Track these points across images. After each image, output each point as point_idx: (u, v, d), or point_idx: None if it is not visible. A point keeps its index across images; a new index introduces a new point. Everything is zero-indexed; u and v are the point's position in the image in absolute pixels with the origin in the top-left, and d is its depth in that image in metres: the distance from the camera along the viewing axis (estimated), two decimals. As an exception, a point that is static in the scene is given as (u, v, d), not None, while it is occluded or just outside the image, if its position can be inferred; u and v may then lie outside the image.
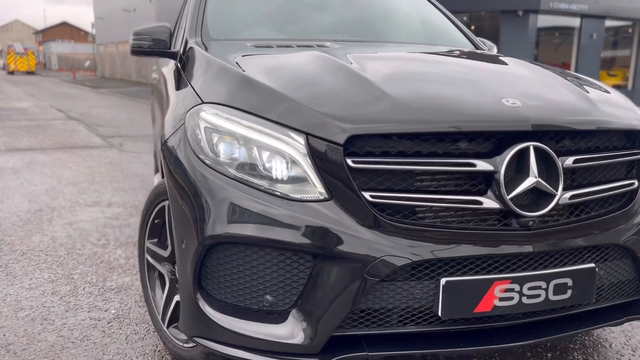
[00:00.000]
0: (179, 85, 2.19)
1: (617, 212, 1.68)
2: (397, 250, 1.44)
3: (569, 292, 1.59)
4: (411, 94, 1.59)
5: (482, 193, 1.51)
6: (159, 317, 2.16)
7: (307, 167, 1.50)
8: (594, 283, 1.63)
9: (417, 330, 1.54)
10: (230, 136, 1.60)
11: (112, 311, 2.51)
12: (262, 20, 2.89)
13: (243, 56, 2.05)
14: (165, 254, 2.09)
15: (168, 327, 2.11)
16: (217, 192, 1.55)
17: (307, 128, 1.51)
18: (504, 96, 1.62)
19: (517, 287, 1.52)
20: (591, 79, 2.13)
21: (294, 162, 1.51)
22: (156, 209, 2.12)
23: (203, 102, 1.73)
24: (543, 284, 1.55)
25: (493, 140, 1.53)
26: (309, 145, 1.50)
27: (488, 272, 1.52)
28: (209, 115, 1.67)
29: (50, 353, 2.14)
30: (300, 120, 1.53)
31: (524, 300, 1.54)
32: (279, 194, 1.51)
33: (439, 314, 1.50)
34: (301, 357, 1.51)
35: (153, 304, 2.21)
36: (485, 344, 1.57)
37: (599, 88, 1.99)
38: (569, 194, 1.57)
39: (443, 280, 1.48)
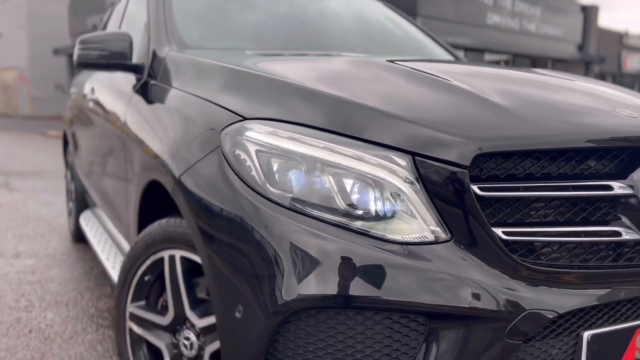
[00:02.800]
0: (164, 102, 1.73)
1: None
2: (542, 302, 1.11)
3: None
4: (532, 110, 1.26)
5: (616, 221, 1.22)
6: (154, 406, 1.63)
7: (415, 199, 1.13)
8: None
9: (553, 401, 1.21)
10: (299, 161, 1.19)
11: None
12: (236, 31, 2.47)
13: (260, 63, 1.64)
14: (164, 321, 1.60)
15: (168, 417, 1.59)
16: (293, 237, 1.12)
17: (414, 147, 1.14)
18: (615, 108, 1.36)
19: (658, 334, 1.25)
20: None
21: (397, 193, 1.14)
22: (146, 263, 1.63)
23: (246, 119, 1.29)
24: (680, 328, 1.28)
25: (622, 156, 1.26)
26: (416, 169, 1.13)
27: (629, 319, 1.23)
28: (262, 135, 1.24)
29: None
30: (402, 138, 1.15)
31: (663, 350, 1.27)
32: (379, 237, 1.12)
33: (583, 377, 1.18)
34: None
35: (142, 389, 1.68)
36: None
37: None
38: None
39: (587, 334, 1.17)
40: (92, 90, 2.80)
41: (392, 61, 1.60)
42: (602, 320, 1.20)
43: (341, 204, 1.15)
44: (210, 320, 1.46)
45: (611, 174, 1.24)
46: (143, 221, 1.86)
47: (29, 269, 3.35)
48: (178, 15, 2.27)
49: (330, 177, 1.16)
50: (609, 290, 1.20)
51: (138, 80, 2.13)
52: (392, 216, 1.13)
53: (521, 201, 1.15)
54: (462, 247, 1.12)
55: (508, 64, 22.21)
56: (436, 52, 2.73)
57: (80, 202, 3.71)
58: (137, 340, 1.70)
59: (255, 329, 1.14)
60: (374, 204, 1.14)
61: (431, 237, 1.12)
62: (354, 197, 1.15)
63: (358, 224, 1.14)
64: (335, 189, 1.16)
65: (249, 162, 1.23)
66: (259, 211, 1.17)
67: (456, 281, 1.09)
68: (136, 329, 1.69)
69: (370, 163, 1.15)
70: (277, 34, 2.45)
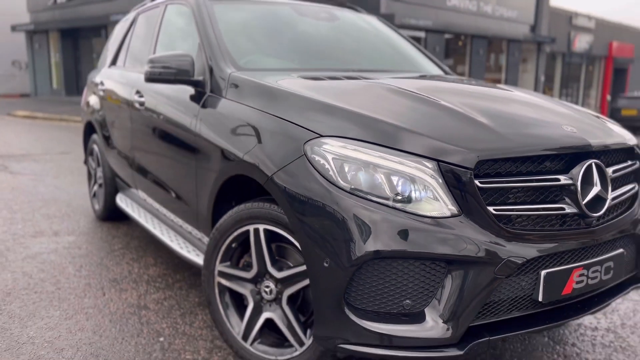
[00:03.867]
0: (242, 117, 2.31)
1: (630, 209, 2.20)
2: (515, 251, 1.80)
3: (612, 272, 2.07)
4: (507, 126, 1.95)
5: (562, 201, 1.92)
6: (239, 337, 2.28)
7: (439, 189, 1.79)
8: (623, 264, 2.13)
9: (522, 314, 1.92)
10: (362, 164, 1.83)
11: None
12: (272, 51, 3.07)
13: (316, 90, 2.26)
14: (248, 275, 2.23)
15: (252, 344, 2.24)
16: (361, 214, 1.77)
17: (438, 156, 1.80)
18: (562, 124, 2.06)
19: (585, 272, 1.96)
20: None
21: (426, 185, 1.80)
22: (233, 234, 2.25)
23: (322, 136, 1.93)
24: (599, 268, 2.01)
25: (566, 159, 1.95)
26: (440, 171, 1.79)
27: (569, 262, 1.94)
28: (335, 148, 1.87)
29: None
30: (429, 150, 1.81)
31: (589, 281, 1.99)
32: (416, 213, 1.78)
33: (540, 299, 1.88)
34: (443, 349, 1.79)
35: (228, 324, 2.32)
36: (565, 317, 1.99)
37: (594, 114, 2.53)
38: (612, 196, 2.05)
39: (543, 272, 1.87)
40: (139, 94, 3.32)
41: (410, 90, 2.24)
42: (553, 263, 1.90)
43: (389, 192, 1.80)
44: (286, 273, 2.10)
45: (559, 170, 1.93)
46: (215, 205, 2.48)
47: (73, 244, 3.89)
48: (227, 37, 2.84)
49: (382, 175, 1.82)
50: (557, 244, 1.89)
51: (199, 93, 2.70)
52: (423, 200, 1.80)
53: (504, 189, 1.83)
54: (468, 219, 1.79)
55: (465, 45, 23.13)
56: (428, 67, 3.39)
57: (110, 186, 4.24)
58: (222, 290, 2.34)
59: (339, 274, 1.79)
60: (411, 192, 1.79)
61: (448, 213, 1.79)
62: (398, 188, 1.80)
63: (399, 205, 1.79)
64: (385, 182, 1.81)
65: (327, 166, 1.86)
66: (335, 197, 1.81)
67: (465, 240, 1.76)
68: (224, 282, 2.31)
69: (409, 166, 1.80)
70: (306, 53, 3.07)
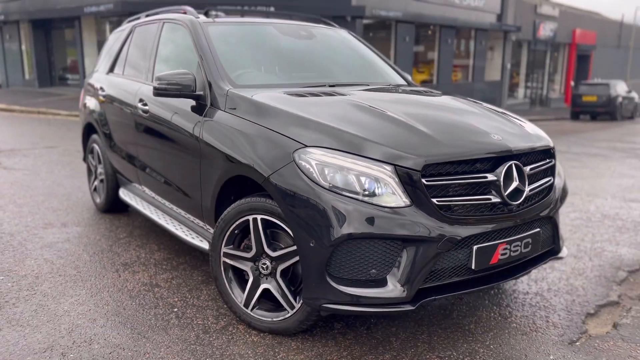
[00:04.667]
0: (240, 128, 2.86)
1: (546, 197, 2.84)
2: (453, 232, 2.41)
3: (530, 246, 2.70)
4: (446, 135, 2.55)
5: (489, 193, 2.54)
6: (241, 305, 2.86)
7: (395, 186, 2.39)
8: (539, 240, 2.77)
9: (460, 279, 2.54)
10: (338, 168, 2.41)
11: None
12: (260, 68, 3.62)
13: (301, 107, 2.83)
14: (249, 255, 2.80)
15: (252, 310, 2.83)
16: (338, 206, 2.36)
17: (394, 161, 2.39)
18: (490, 132, 2.68)
19: (508, 246, 2.59)
20: (508, 112, 3.29)
21: (386, 183, 2.39)
22: (236, 223, 2.81)
23: (307, 146, 2.50)
24: (519, 243, 2.64)
25: (492, 161, 2.57)
26: (396, 172, 2.39)
27: (495, 239, 2.56)
28: (317, 155, 2.45)
29: None
30: (388, 156, 2.40)
31: (511, 254, 2.62)
32: (379, 204, 2.37)
33: (473, 267, 2.51)
34: (399, 305, 2.40)
35: (232, 295, 2.89)
36: (494, 281, 2.62)
37: (521, 120, 3.15)
38: (529, 189, 2.67)
39: (475, 247, 2.49)
40: (143, 103, 3.83)
41: (371, 105, 2.83)
42: (482, 240, 2.52)
43: (358, 188, 2.39)
44: (280, 252, 2.68)
45: (487, 170, 2.55)
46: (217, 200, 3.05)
47: (82, 234, 4.40)
48: (221, 57, 3.38)
49: (353, 176, 2.40)
50: (485, 225, 2.51)
51: (200, 105, 3.23)
52: (383, 194, 2.39)
53: (445, 185, 2.44)
54: (418, 208, 2.39)
55: (434, 34, 23.82)
56: (393, 77, 3.97)
57: (112, 181, 4.74)
58: (227, 268, 2.91)
59: (322, 251, 2.38)
60: (375, 188, 2.39)
61: (402, 204, 2.39)
62: (365, 185, 2.39)
63: (366, 199, 2.38)
64: (356, 181, 2.40)
65: (311, 169, 2.44)
66: (318, 193, 2.40)
67: (415, 224, 2.36)
68: (228, 261, 2.88)
69: (373, 169, 2.39)
70: (289, 69, 3.63)
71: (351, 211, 2.36)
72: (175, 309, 3.09)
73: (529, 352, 2.68)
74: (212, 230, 3.26)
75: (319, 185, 2.42)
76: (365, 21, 19.26)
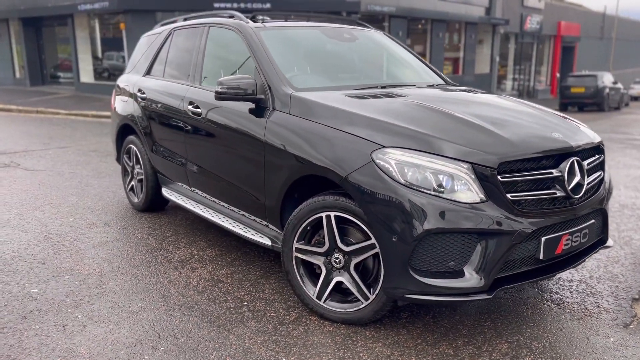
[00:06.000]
0: (310, 130, 3.01)
1: (598, 190, 3.03)
2: (525, 225, 2.59)
3: (587, 237, 2.90)
4: (514, 134, 2.73)
5: (554, 188, 2.72)
6: (314, 297, 3.02)
7: (472, 183, 2.56)
8: (594, 231, 2.97)
9: (528, 269, 2.72)
10: (417, 167, 2.58)
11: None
12: (310, 69, 3.76)
13: (364, 107, 2.99)
14: (321, 250, 2.96)
15: (325, 302, 2.99)
16: (419, 203, 2.52)
17: (471, 159, 2.56)
18: (551, 130, 2.86)
19: (570, 237, 2.78)
20: (556, 112, 3.48)
21: (464, 180, 2.56)
22: (308, 220, 2.97)
23: (384, 146, 2.66)
24: (579, 234, 2.83)
25: (556, 158, 2.75)
26: (473, 170, 2.56)
27: (559, 231, 2.75)
28: (396, 155, 2.62)
29: (241, 336, 2.86)
30: (465, 155, 2.57)
31: (573, 244, 2.81)
32: (457, 200, 2.54)
33: (541, 257, 2.69)
34: (477, 294, 2.58)
35: (304, 288, 3.05)
36: (556, 270, 2.81)
37: (568, 117, 3.34)
38: (587, 183, 2.86)
39: (543, 239, 2.67)
40: (194, 105, 3.95)
41: (438, 107, 2.99)
42: (549, 232, 2.71)
43: (437, 186, 2.56)
44: (354, 247, 2.84)
45: (552, 166, 2.73)
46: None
47: (128, 233, 4.51)
48: (277, 60, 3.52)
49: (431, 174, 2.57)
50: (551, 218, 2.70)
51: (261, 108, 3.37)
52: (461, 191, 2.56)
53: (516, 181, 2.61)
54: (493, 203, 2.57)
55: (425, 29, 24.05)
56: (433, 77, 4.14)
57: (152, 181, 4.86)
58: (298, 262, 3.06)
59: (404, 246, 2.54)
60: (452, 185, 2.55)
61: (478, 199, 2.56)
62: (443, 183, 2.56)
63: (444, 195, 2.55)
64: (434, 179, 2.57)
65: (390, 168, 2.60)
66: (399, 191, 2.56)
67: (491, 218, 2.54)
68: (300, 256, 3.04)
69: (450, 167, 2.56)
70: (341, 71, 3.78)
71: (432, 207, 2.52)
72: (245, 303, 3.24)
73: (589, 334, 2.88)
74: (273, 227, 3.41)
75: (399, 184, 2.58)
76: (358, 17, 19.52)
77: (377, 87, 3.59)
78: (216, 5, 16.87)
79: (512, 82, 33.31)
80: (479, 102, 3.33)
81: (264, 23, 3.91)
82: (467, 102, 3.31)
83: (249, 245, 4.22)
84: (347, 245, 2.88)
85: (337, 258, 2.92)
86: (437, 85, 3.96)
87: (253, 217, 3.64)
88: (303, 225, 3.00)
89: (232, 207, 3.84)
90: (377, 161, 2.65)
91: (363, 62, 4.05)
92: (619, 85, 25.72)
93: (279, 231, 3.38)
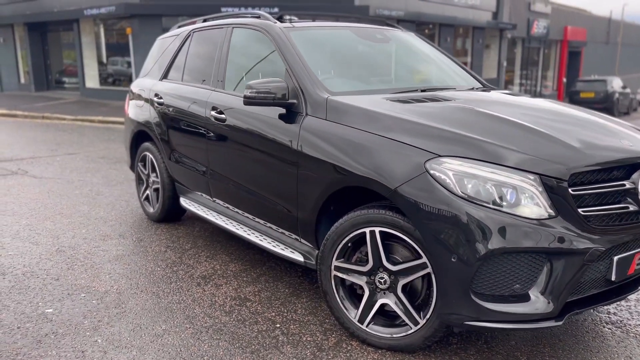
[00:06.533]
0: (351, 137, 2.75)
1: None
2: (598, 243, 2.33)
3: (656, 255, 2.63)
4: (582, 143, 2.46)
5: (626, 201, 2.46)
6: (355, 320, 2.75)
7: (540, 196, 2.30)
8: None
9: (597, 291, 2.46)
10: (478, 179, 2.32)
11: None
12: (344, 71, 3.51)
13: (409, 111, 2.73)
14: (364, 269, 2.70)
15: (368, 325, 2.72)
16: (482, 219, 2.26)
17: (539, 170, 2.30)
18: (619, 138, 2.60)
19: (641, 256, 2.52)
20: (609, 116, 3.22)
21: (530, 193, 2.30)
22: (350, 235, 2.71)
23: (440, 155, 2.40)
24: (652, 252, 2.56)
25: (626, 168, 2.49)
26: (541, 182, 2.30)
27: (632, 249, 2.48)
28: (454, 165, 2.36)
29: None
30: (532, 165, 2.31)
31: (644, 264, 2.54)
32: (523, 216, 2.28)
33: (613, 279, 2.43)
34: (545, 321, 2.32)
35: (344, 310, 2.79)
36: (627, 292, 2.55)
37: (633, 126, 3.07)
38: (658, 195, 2.60)
39: (615, 258, 2.41)
40: (218, 111, 3.70)
41: (492, 112, 2.73)
42: (621, 250, 2.44)
43: (501, 200, 2.30)
44: (402, 266, 2.58)
45: (623, 177, 2.47)
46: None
47: (145, 246, 4.26)
48: (309, 63, 3.27)
49: (494, 187, 2.31)
50: (623, 235, 2.43)
51: (293, 114, 3.11)
52: (527, 205, 2.30)
53: (587, 194, 2.35)
54: (563, 219, 2.30)
55: (433, 33, 23.83)
56: (470, 80, 3.89)
57: (169, 191, 4.61)
58: (337, 282, 2.80)
59: (465, 267, 2.28)
60: (518, 199, 2.29)
61: (546, 215, 2.30)
62: (507, 196, 2.30)
63: (509, 210, 2.29)
64: (497, 192, 2.30)
65: (448, 180, 2.34)
66: (458, 205, 2.30)
67: (561, 235, 2.28)
68: (340, 275, 2.78)
69: (516, 179, 2.30)
70: (376, 74, 3.52)
71: (496, 224, 2.26)
72: (278, 325, 2.98)
73: (662, 363, 2.62)
74: (306, 242, 3.16)
75: (459, 197, 2.32)
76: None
77: (416, 90, 3.33)
78: (223, 10, 16.65)
79: (519, 87, 33.04)
80: (533, 107, 3.06)
81: (293, 23, 3.67)
82: (521, 107, 3.04)
83: (274, 259, 3.96)
84: (394, 264, 2.62)
85: (382, 278, 2.66)
86: (477, 88, 3.71)
87: (282, 230, 3.38)
88: (344, 242, 2.74)
89: (257, 219, 3.59)
90: (432, 172, 2.39)
91: (397, 64, 3.79)
92: (628, 90, 25.48)
93: (311, 246, 3.13)
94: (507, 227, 2.26)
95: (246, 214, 3.72)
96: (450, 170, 2.36)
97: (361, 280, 2.73)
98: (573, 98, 24.29)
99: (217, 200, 4.01)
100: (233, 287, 3.47)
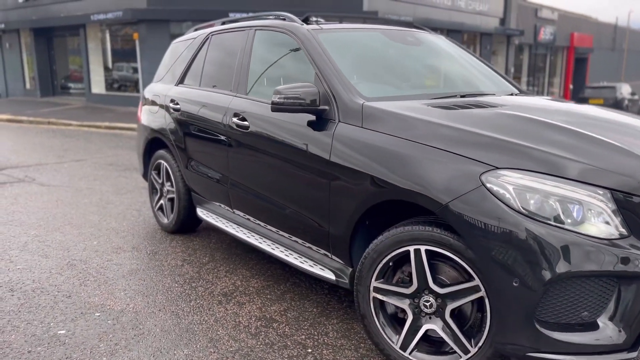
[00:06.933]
0: (392, 146, 2.52)
1: None
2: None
3: None
4: None
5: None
6: (396, 346, 2.52)
7: (610, 214, 2.07)
8: None
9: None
10: (541, 194, 2.09)
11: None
12: (378, 75, 3.29)
13: (456, 119, 2.51)
14: (407, 291, 2.47)
15: (411, 353, 2.49)
16: (548, 239, 2.03)
17: (610, 184, 2.07)
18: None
19: None
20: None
21: (599, 210, 2.07)
22: (391, 254, 2.48)
23: (498, 168, 2.17)
24: None
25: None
26: (612, 197, 2.07)
27: None
28: (514, 178, 2.13)
29: None
30: (601, 179, 2.08)
31: None
32: (592, 235, 2.05)
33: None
34: (617, 353, 2.08)
35: (385, 336, 2.56)
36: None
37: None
38: None
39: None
40: (240, 118, 3.48)
41: (549, 120, 2.51)
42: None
43: (567, 217, 2.07)
44: (451, 289, 2.35)
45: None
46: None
47: (160, 259, 4.03)
48: (342, 68, 3.05)
49: (560, 203, 2.08)
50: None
51: (324, 121, 2.89)
52: (597, 224, 2.07)
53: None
54: (636, 238, 2.07)
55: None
56: (508, 86, 3.66)
57: (185, 201, 4.39)
58: (377, 304, 2.57)
59: (529, 292, 2.05)
60: (586, 217, 2.06)
61: (617, 235, 2.07)
62: (574, 214, 2.07)
63: (576, 229, 2.06)
64: (563, 209, 2.08)
65: (508, 195, 2.12)
66: (520, 223, 2.07)
67: (634, 257, 2.04)
68: (379, 297, 2.55)
69: (583, 194, 2.07)
70: (411, 79, 3.30)
71: (564, 245, 2.03)
72: (309, 350, 2.75)
73: None
74: (337, 259, 2.94)
75: (520, 214, 2.09)
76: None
77: (455, 95, 3.11)
78: (231, 15, 16.49)
79: (526, 93, 32.83)
80: (587, 114, 2.83)
81: (320, 25, 3.46)
82: (574, 114, 2.81)
83: (298, 274, 3.74)
84: (441, 286, 2.39)
85: (428, 301, 2.43)
86: (516, 93, 3.48)
87: (308, 245, 3.16)
88: (384, 261, 2.51)
89: (281, 232, 3.36)
90: (489, 185, 2.16)
91: (430, 69, 3.57)
92: (637, 96, 25.24)
93: (343, 263, 2.91)
94: (576, 248, 2.03)
95: (269, 227, 3.49)
96: (510, 184, 2.13)
97: (404, 303, 2.50)
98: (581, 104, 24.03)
99: (237, 212, 3.79)
100: (257, 306, 3.25)
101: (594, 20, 41.21)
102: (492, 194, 2.15)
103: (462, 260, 2.28)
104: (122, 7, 17.31)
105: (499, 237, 2.11)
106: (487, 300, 2.24)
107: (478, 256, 2.18)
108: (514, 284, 2.09)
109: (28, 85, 23.72)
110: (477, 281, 2.26)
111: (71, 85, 23.01)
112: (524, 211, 2.09)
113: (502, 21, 27.44)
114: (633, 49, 47.43)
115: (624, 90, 24.25)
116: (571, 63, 36.43)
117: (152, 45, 17.03)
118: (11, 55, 23.71)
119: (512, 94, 3.44)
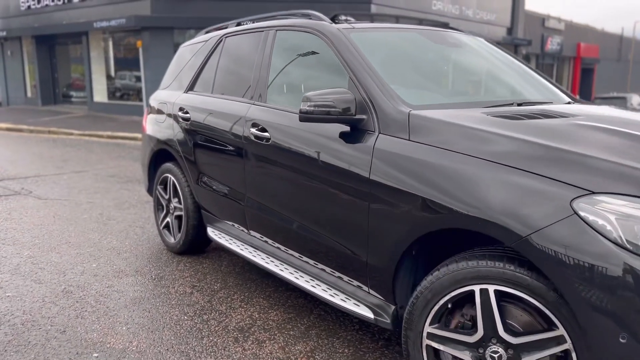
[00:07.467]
0: (453, 164, 2.10)
1: None
2: None
3: None
4: None
5: None
6: (456, 405, 2.08)
7: None
8: None
9: None
10: (649, 225, 1.67)
11: None
12: (419, 80, 2.88)
13: (527, 131, 2.09)
14: (471, 339, 2.04)
15: (475, 413, 2.05)
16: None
17: None
18: None
19: None
20: None
21: None
22: (450, 294, 2.06)
23: (593, 192, 1.75)
24: None
25: None
26: None
27: None
28: (616, 206, 1.70)
29: None
30: None
31: None
32: None
33: None
34: None
35: (440, 391, 2.12)
36: None
37: None
38: None
39: None
40: (259, 128, 3.06)
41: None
42: None
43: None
44: (528, 339, 1.91)
45: None
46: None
47: (166, 286, 3.61)
48: (381, 72, 2.64)
49: (672, 236, 1.66)
50: None
51: (358, 132, 2.48)
52: None
53: None
54: None
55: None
56: (560, 93, 3.24)
57: (194, 219, 3.97)
58: (431, 353, 2.14)
59: (640, 350, 1.62)
60: None
61: None
62: (693, 251, 1.65)
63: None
64: (676, 245, 1.65)
65: (609, 227, 1.69)
66: (627, 262, 1.65)
67: None
68: (434, 345, 2.12)
69: None
70: (450, 83, 2.88)
71: (682, 289, 1.60)
72: (346, 404, 2.31)
73: None
74: (375, 294, 2.51)
75: (626, 250, 1.66)
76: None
77: (511, 103, 2.70)
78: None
79: (533, 104, 32.53)
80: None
81: (352, 24, 3.05)
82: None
83: (322, 305, 3.31)
84: (514, 334, 1.95)
85: (496, 352, 1.99)
86: (575, 102, 3.07)
87: (339, 274, 2.73)
88: (441, 302, 2.08)
89: (305, 258, 2.94)
90: (583, 214, 1.73)
91: (478, 73, 3.16)
92: (647, 108, 24.92)
93: (383, 299, 2.48)
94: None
95: (290, 251, 3.07)
96: (612, 213, 1.71)
97: (464, 354, 2.07)
98: (591, 115, 23.68)
99: (254, 233, 3.37)
100: (279, 345, 2.81)
101: (599, 30, 40.96)
102: (588, 224, 1.72)
103: (543, 305, 1.85)
104: (126, 15, 16.97)
105: (598, 278, 1.69)
106: (574, 355, 1.81)
107: (569, 301, 1.75)
108: (621, 339, 1.66)
109: (29, 94, 23.38)
110: (561, 330, 1.83)
111: (73, 93, 22.66)
112: (630, 247, 1.66)
113: (510, 31, 27.12)
114: (639, 60, 47.19)
115: (634, 100, 23.92)
116: (578, 73, 36.15)
117: (156, 53, 16.68)
118: (13, 63, 23.40)
119: (569, 102, 3.02)
